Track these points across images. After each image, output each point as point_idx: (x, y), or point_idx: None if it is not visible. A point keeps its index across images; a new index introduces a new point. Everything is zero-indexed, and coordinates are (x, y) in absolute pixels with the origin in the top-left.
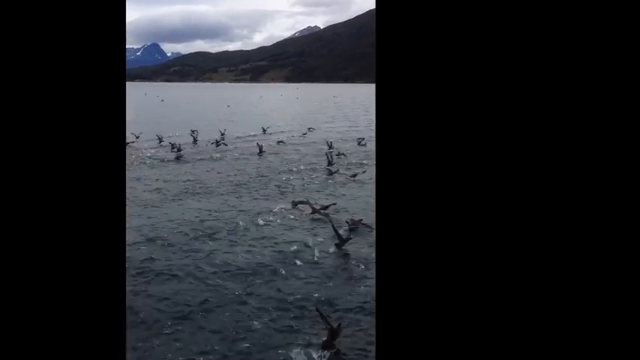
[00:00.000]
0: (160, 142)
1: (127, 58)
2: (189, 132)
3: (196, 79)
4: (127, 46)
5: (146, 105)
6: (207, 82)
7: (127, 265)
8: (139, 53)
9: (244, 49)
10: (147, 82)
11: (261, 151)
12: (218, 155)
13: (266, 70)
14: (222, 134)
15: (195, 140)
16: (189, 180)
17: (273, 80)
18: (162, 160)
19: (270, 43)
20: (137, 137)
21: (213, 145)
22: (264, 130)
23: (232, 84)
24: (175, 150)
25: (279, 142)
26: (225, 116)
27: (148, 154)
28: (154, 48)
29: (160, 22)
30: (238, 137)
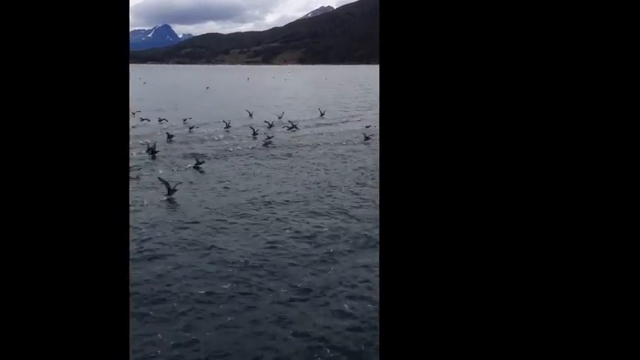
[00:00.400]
0: (227, 127)
1: (137, 40)
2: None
3: (208, 61)
4: (137, 28)
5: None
6: (219, 64)
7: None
8: (149, 35)
9: (256, 30)
10: (158, 65)
11: (367, 138)
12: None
13: (279, 51)
14: (280, 117)
15: (270, 125)
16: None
17: (286, 62)
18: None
19: (283, 24)
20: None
21: (288, 130)
22: (322, 114)
23: (244, 66)
24: (266, 137)
25: (367, 126)
26: (230, 101)
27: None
28: (165, 29)
29: (170, 3)
30: (301, 121)
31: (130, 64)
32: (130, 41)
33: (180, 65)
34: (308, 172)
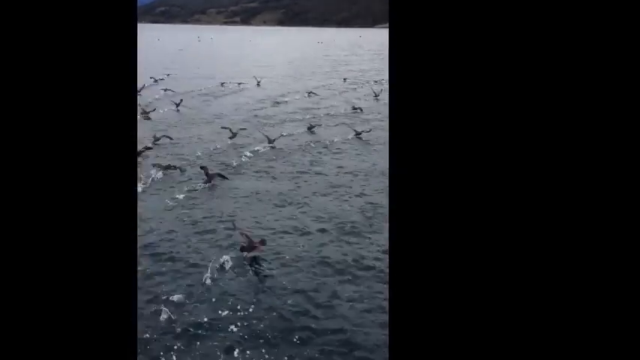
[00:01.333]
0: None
1: None
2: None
3: (184, 21)
4: None
5: None
6: (195, 23)
7: None
8: None
9: None
10: None
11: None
12: None
13: (257, 12)
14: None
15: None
16: None
17: (265, 23)
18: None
19: None
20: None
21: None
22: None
23: (222, 26)
24: None
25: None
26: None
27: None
28: None
29: None
30: None
31: None
32: None
33: (155, 25)
34: None
